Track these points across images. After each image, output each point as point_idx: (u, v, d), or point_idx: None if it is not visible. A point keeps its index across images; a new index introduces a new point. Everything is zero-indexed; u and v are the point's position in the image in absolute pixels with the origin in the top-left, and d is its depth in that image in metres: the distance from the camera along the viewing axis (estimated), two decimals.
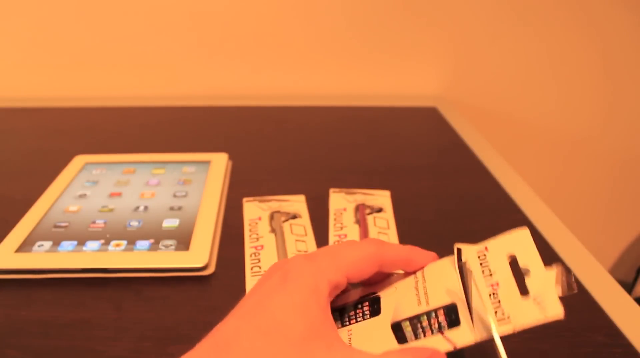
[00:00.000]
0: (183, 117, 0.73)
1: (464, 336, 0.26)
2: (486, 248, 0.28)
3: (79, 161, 0.58)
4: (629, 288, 0.97)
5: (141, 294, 0.39)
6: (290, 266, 0.27)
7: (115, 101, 0.79)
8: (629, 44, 0.81)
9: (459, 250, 0.29)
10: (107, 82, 0.81)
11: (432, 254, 0.30)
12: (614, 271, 1.01)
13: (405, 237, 0.46)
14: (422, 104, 0.79)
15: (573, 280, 0.25)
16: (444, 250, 0.32)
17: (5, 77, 0.80)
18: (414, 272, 0.30)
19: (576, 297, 0.39)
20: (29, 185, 0.54)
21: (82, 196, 0.51)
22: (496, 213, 0.50)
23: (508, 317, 0.25)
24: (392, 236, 0.46)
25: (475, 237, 0.29)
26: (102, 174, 0.55)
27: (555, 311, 0.24)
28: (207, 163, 0.57)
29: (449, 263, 0.29)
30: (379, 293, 0.30)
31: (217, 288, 0.40)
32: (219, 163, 0.57)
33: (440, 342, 0.26)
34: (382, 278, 0.32)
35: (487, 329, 0.25)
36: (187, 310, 0.37)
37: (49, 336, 0.35)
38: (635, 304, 0.39)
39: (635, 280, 0.96)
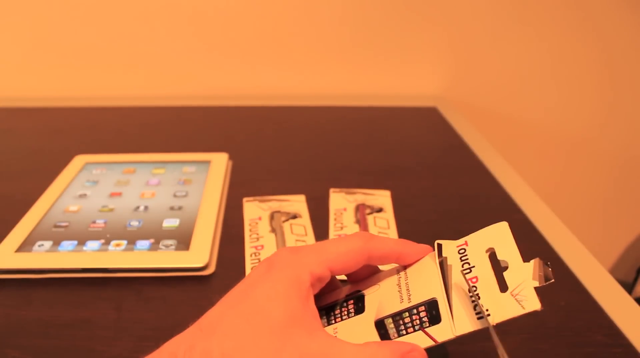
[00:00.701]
0: (183, 117, 0.73)
1: (444, 331, 0.26)
2: (466, 243, 0.29)
3: (79, 161, 0.58)
4: (629, 288, 0.97)
5: (141, 294, 0.39)
6: (275, 258, 0.28)
7: (115, 101, 0.79)
8: (629, 44, 0.81)
9: (440, 246, 0.30)
10: (107, 82, 0.81)
11: (426, 247, 0.31)
12: (614, 271, 1.01)
13: (405, 237, 0.45)
14: (422, 104, 0.79)
15: (550, 270, 0.26)
16: None
17: (5, 77, 0.80)
18: (398, 270, 0.30)
19: (576, 297, 0.39)
20: (29, 185, 0.53)
21: (82, 196, 0.51)
22: (496, 213, 0.50)
23: (487, 311, 0.25)
24: (392, 236, 0.46)
25: None
26: (102, 174, 0.55)
27: (532, 304, 0.25)
28: (207, 163, 0.57)
29: (430, 260, 0.30)
30: (363, 291, 0.30)
31: (217, 288, 0.40)
32: (219, 163, 0.57)
33: (422, 338, 0.27)
34: (373, 273, 0.32)
35: (467, 324, 0.26)
36: (187, 310, 0.37)
37: (49, 336, 0.35)
38: (635, 304, 0.39)
39: (635, 280, 0.96)
